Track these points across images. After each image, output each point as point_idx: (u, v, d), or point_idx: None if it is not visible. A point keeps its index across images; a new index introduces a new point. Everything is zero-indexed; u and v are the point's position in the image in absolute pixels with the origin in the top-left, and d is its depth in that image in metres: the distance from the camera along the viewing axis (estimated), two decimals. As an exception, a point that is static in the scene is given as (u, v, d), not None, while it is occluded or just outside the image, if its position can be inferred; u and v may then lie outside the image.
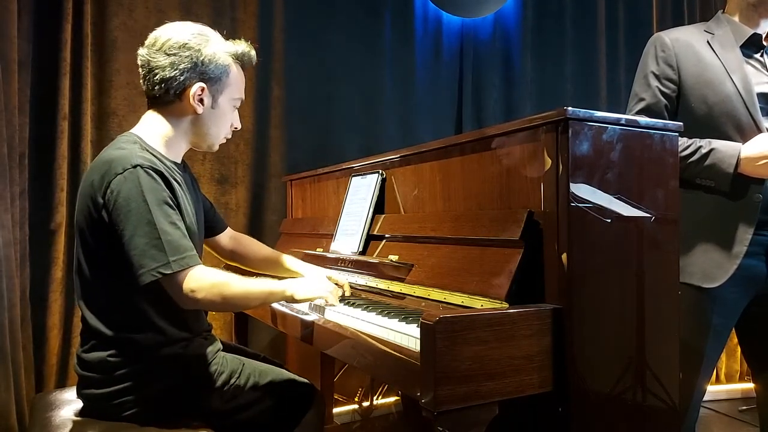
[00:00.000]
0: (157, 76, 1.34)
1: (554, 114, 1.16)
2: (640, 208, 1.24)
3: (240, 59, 1.44)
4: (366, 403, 2.59)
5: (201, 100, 1.37)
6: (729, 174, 1.53)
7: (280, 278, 1.47)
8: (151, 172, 1.24)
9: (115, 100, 2.30)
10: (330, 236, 1.91)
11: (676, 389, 1.28)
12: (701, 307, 1.57)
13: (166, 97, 1.36)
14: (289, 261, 1.74)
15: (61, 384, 2.15)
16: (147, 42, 1.38)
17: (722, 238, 1.56)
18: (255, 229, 2.60)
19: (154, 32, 1.38)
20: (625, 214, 1.22)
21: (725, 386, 3.22)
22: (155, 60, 1.34)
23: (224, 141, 1.51)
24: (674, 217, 1.29)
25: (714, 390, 3.14)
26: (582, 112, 1.15)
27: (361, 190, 1.84)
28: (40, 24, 2.13)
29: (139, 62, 1.39)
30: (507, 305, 1.15)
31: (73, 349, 2.17)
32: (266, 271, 1.76)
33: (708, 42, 1.65)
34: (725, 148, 1.55)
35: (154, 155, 1.32)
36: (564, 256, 1.14)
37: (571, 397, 1.13)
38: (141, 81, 1.40)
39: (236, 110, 1.49)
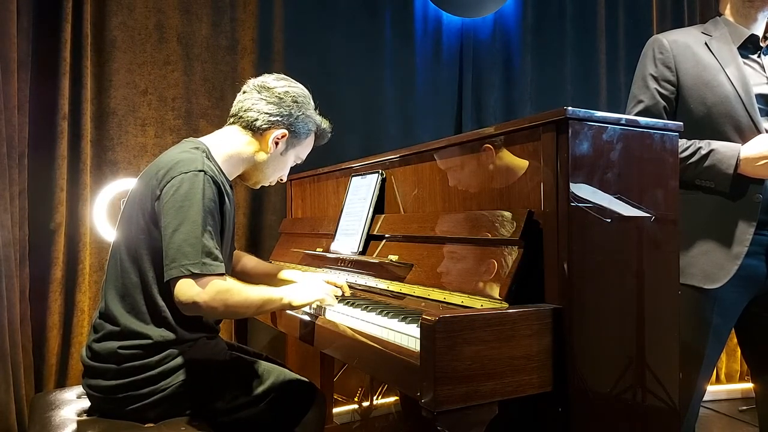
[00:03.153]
0: (257, 106, 1.50)
1: (554, 114, 1.16)
2: (640, 208, 1.24)
3: (319, 132, 1.64)
4: (366, 403, 2.59)
5: (276, 143, 1.53)
6: (729, 175, 1.53)
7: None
8: (211, 181, 1.32)
9: (114, 100, 2.30)
10: (330, 236, 1.91)
11: (676, 389, 1.28)
12: (701, 307, 1.57)
13: (253, 125, 1.50)
14: (285, 273, 1.76)
15: (61, 384, 2.15)
16: (260, 79, 1.56)
17: (722, 239, 1.56)
18: (254, 229, 2.59)
19: (268, 76, 1.56)
20: (625, 214, 1.22)
21: (725, 386, 3.22)
22: (263, 94, 1.51)
23: (267, 185, 1.65)
24: (674, 217, 1.29)
25: (714, 390, 3.14)
26: (582, 112, 1.15)
27: (361, 190, 1.84)
28: (39, 23, 2.13)
29: (243, 89, 1.56)
30: (507, 305, 1.15)
31: (73, 349, 2.17)
32: (260, 283, 1.76)
33: (706, 44, 1.65)
34: (725, 149, 1.55)
35: (214, 166, 1.41)
36: (564, 256, 1.14)
37: (571, 397, 1.13)
38: (236, 103, 1.55)
39: (290, 166, 1.65)
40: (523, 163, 1.28)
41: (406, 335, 1.15)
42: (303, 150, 1.63)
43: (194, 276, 1.24)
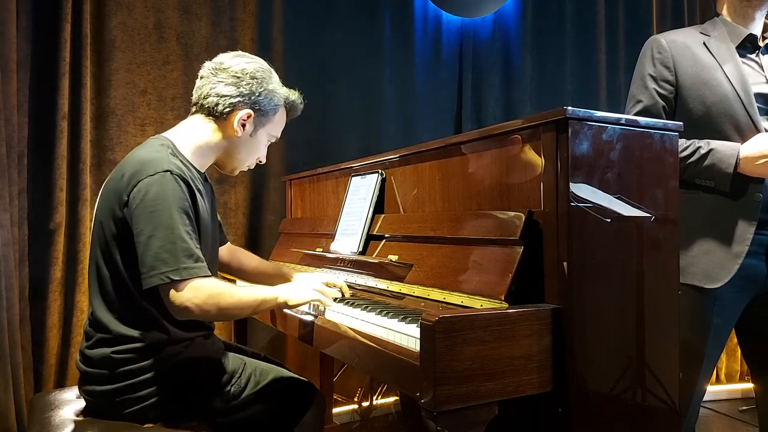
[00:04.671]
0: (215, 90, 1.42)
1: (554, 114, 1.15)
2: (640, 208, 1.24)
3: (290, 105, 1.54)
4: (365, 403, 2.59)
5: (243, 125, 1.44)
6: (729, 174, 1.53)
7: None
8: (179, 179, 1.28)
9: (114, 100, 2.30)
10: (329, 236, 1.91)
11: (676, 389, 1.28)
12: (701, 307, 1.57)
13: (215, 111, 1.42)
14: (283, 270, 1.75)
15: (60, 384, 2.15)
16: (216, 60, 1.47)
17: (723, 238, 1.56)
18: (254, 229, 2.59)
19: (224, 55, 1.48)
20: (625, 214, 1.22)
21: (725, 386, 3.22)
22: (219, 76, 1.43)
23: (246, 169, 1.57)
24: (674, 217, 1.29)
25: (714, 390, 3.14)
26: (582, 111, 1.15)
27: (361, 190, 1.84)
28: (39, 23, 2.13)
29: (200, 73, 1.47)
30: (507, 305, 1.14)
31: (73, 349, 2.16)
32: (260, 282, 1.76)
33: (704, 43, 1.65)
34: (724, 148, 1.55)
35: (182, 162, 1.36)
36: (564, 256, 1.14)
37: (571, 397, 1.13)
38: (195, 90, 1.47)
39: (267, 146, 1.56)
40: (523, 163, 1.28)
41: (405, 335, 1.15)
42: (275, 127, 1.53)
43: (175, 282, 1.21)
